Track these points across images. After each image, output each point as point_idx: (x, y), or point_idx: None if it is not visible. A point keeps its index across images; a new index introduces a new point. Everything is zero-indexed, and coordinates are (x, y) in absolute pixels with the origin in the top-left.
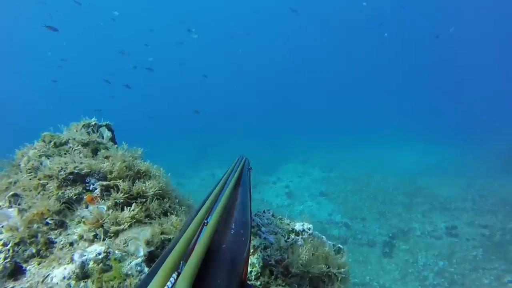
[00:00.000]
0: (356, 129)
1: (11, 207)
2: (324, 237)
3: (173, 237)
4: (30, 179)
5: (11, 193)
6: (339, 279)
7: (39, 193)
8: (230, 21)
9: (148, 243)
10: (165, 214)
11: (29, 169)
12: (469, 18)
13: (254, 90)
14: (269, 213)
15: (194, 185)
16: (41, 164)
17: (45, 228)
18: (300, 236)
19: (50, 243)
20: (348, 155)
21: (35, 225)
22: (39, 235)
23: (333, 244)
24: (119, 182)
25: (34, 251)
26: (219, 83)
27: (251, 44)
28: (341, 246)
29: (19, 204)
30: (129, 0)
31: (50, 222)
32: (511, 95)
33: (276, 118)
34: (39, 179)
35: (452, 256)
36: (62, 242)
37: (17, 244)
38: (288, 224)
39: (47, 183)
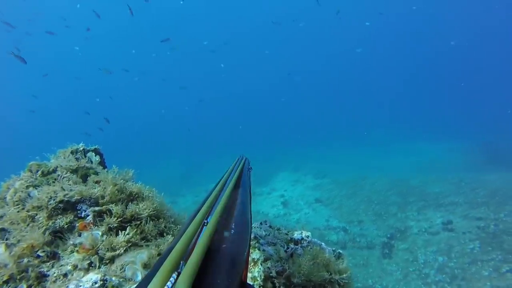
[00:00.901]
0: (345, 135)
1: None
2: (323, 243)
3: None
4: (17, 211)
5: None
6: (342, 285)
7: (28, 225)
8: (212, 32)
9: (145, 266)
10: (161, 234)
11: (16, 201)
12: (455, 19)
13: (241, 103)
14: (266, 224)
15: (187, 202)
16: (28, 195)
17: (36, 262)
18: (299, 245)
19: (42, 277)
20: (339, 160)
21: (25, 260)
22: (30, 269)
23: (332, 250)
24: (111, 206)
25: (25, 287)
26: (206, 97)
27: (238, 54)
28: (341, 251)
29: (6, 239)
30: (106, 19)
31: (41, 254)
32: (494, 93)
33: (265, 129)
34: (28, 211)
35: (450, 250)
36: (55, 274)
37: (6, 282)
38: (287, 234)
39: (36, 214)
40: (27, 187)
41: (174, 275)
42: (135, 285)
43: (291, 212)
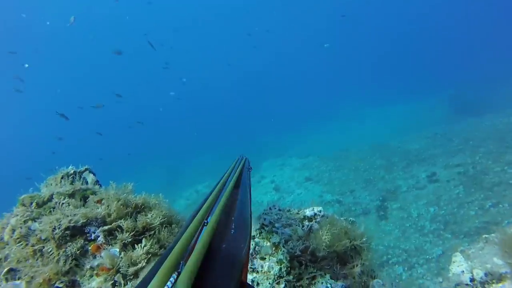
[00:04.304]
0: (320, 112)
1: None
2: (335, 214)
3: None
4: (22, 248)
5: (6, 269)
6: (364, 249)
7: (37, 259)
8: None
9: None
10: None
11: (18, 238)
12: None
13: (214, 99)
14: (275, 208)
15: (180, 206)
16: (29, 229)
17: None
18: (314, 221)
19: None
20: (319, 137)
21: None
22: None
23: (344, 219)
24: (121, 222)
25: None
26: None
27: (203, 47)
28: (352, 219)
29: (19, 278)
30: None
31: (60, 286)
32: (454, 47)
33: (240, 121)
34: (33, 245)
35: (439, 200)
36: None
37: None
38: (298, 213)
39: (43, 247)
40: (25, 221)
41: (174, 275)
42: (135, 285)
43: (284, 195)
